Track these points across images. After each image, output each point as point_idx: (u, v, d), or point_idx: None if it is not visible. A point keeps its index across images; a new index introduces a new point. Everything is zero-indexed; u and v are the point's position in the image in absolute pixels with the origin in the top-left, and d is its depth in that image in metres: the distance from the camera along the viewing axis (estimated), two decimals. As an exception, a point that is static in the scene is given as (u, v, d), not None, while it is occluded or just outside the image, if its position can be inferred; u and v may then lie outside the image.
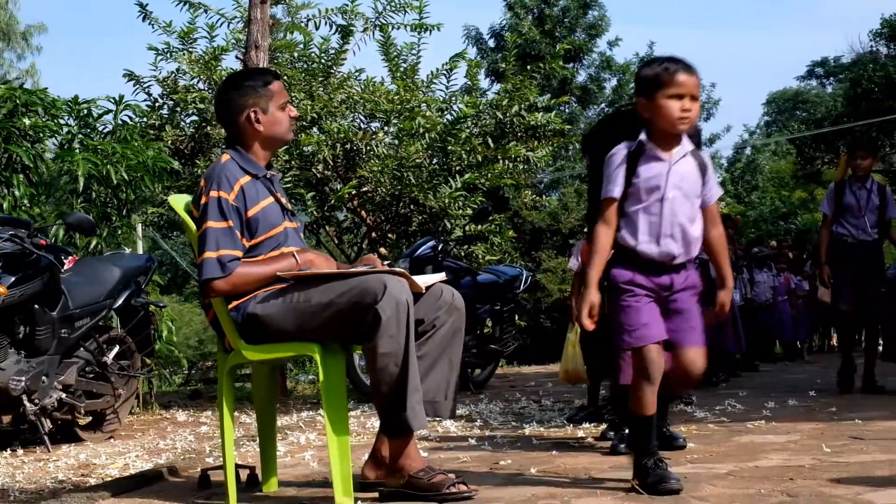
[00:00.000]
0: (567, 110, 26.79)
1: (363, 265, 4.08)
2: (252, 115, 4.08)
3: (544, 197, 19.22)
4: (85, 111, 8.48)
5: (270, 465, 4.36)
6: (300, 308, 3.84)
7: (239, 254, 3.91)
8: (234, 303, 3.92)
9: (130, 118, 9.16)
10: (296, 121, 4.20)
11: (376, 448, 4.04)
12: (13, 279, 5.82)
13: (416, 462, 3.89)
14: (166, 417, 8.09)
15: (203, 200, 3.94)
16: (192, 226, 4.05)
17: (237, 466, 4.19)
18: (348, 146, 10.81)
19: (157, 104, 11.17)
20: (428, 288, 4.03)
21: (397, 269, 3.88)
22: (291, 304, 3.86)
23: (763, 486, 3.81)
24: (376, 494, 3.93)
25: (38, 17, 75.14)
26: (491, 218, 11.31)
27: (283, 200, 4.20)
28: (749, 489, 3.75)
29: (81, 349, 6.54)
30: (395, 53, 11.93)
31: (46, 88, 8.22)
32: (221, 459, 4.10)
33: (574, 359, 6.68)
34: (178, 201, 4.26)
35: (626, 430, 5.12)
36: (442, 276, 4.21)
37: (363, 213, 11.39)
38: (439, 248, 9.04)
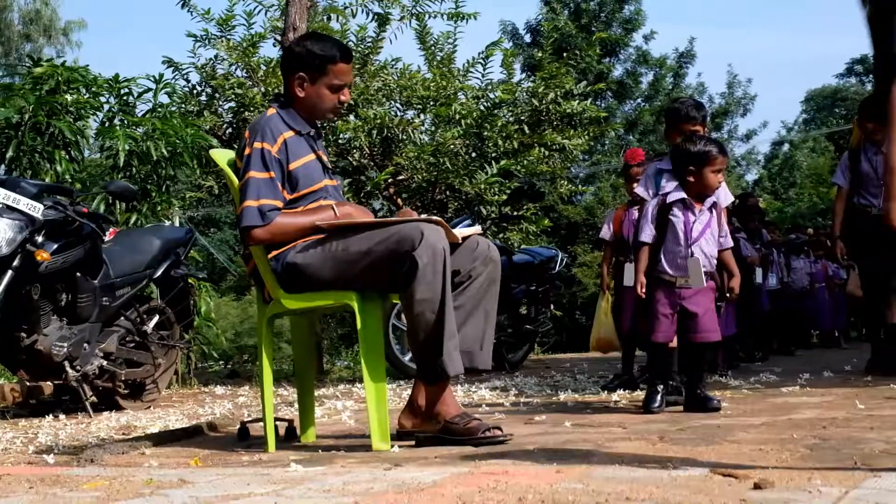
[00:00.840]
0: (603, 104, 26.76)
1: (400, 217, 4.14)
2: (299, 79, 4.15)
3: (580, 187, 19.18)
4: (126, 90, 8.59)
5: (309, 418, 4.42)
6: (339, 257, 3.91)
7: (279, 204, 3.98)
8: (274, 252, 3.99)
9: (169, 96, 9.28)
10: (343, 106, 4.27)
11: (413, 397, 4.08)
12: (56, 246, 5.89)
13: (452, 408, 3.94)
14: (205, 391, 8.19)
15: (247, 152, 4.03)
16: (235, 179, 4.12)
17: (276, 419, 4.25)
18: (385, 133, 10.88)
19: (195, 91, 11.30)
20: (464, 239, 4.08)
21: (434, 218, 3.93)
22: (330, 253, 3.92)
23: (796, 432, 3.82)
24: (413, 442, 3.97)
25: (78, 13, 76.08)
26: (526, 206, 11.33)
27: (325, 158, 4.26)
28: (782, 435, 3.77)
29: (122, 318, 6.63)
30: (431, 42, 11.98)
31: (88, 66, 8.34)
32: (261, 411, 4.15)
33: (606, 325, 6.71)
34: (221, 156, 4.34)
35: (660, 392, 5.10)
36: (478, 228, 4.27)
37: (399, 200, 11.43)
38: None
